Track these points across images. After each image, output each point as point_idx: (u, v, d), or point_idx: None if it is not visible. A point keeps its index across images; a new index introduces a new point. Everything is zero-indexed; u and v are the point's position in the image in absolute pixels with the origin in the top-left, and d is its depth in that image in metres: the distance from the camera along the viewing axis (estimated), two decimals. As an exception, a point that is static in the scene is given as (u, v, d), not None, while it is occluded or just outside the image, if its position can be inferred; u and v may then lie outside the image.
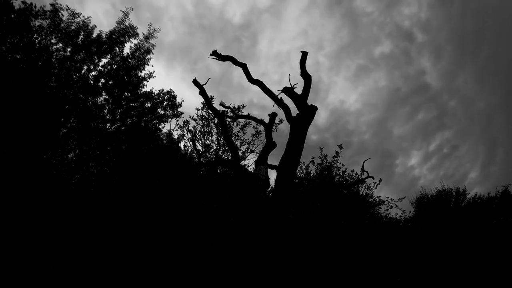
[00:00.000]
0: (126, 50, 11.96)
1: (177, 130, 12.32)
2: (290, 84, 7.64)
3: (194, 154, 12.11)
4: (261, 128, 11.36)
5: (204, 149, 11.64)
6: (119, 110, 11.55)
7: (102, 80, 11.39)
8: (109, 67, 11.52)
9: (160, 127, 12.40)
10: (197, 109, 11.91)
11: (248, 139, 11.97)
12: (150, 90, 12.27)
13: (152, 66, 13.89)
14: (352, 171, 12.14)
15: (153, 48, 12.32)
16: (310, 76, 7.79)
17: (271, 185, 8.83)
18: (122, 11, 11.77)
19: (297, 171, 11.45)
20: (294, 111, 7.59)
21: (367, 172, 10.30)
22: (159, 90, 12.35)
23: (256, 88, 8.20)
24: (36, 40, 10.26)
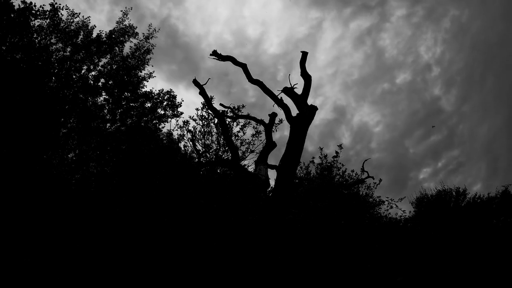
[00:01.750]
0: (126, 50, 11.97)
1: (177, 130, 12.32)
2: (290, 84, 7.64)
3: (194, 154, 12.11)
4: (261, 128, 11.36)
5: (204, 149, 11.64)
6: (119, 110, 11.55)
7: (102, 80, 11.39)
8: (109, 67, 11.52)
9: (160, 127, 12.41)
10: (197, 109, 11.92)
11: (248, 139, 11.98)
12: (150, 90, 12.28)
13: (152, 66, 13.90)
14: (352, 171, 12.16)
15: (153, 48, 12.33)
16: (310, 76, 7.79)
17: (271, 185, 8.84)
18: (122, 11, 11.78)
19: (297, 171, 11.46)
20: (294, 111, 7.59)
21: (367, 172, 10.30)
22: (159, 90, 12.36)
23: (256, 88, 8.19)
24: (36, 40, 10.26)
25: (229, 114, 10.28)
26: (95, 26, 11.29)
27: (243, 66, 7.96)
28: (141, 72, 12.12)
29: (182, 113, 12.52)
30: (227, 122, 10.89)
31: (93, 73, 11.25)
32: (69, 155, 10.63)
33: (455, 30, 64.63)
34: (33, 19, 10.09)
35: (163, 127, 12.47)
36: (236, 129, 11.91)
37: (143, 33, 12.13)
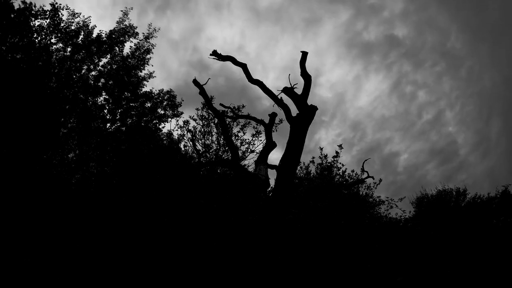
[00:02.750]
0: (126, 50, 11.96)
1: (177, 130, 12.33)
2: (290, 84, 7.64)
3: (194, 154, 12.11)
4: (261, 128, 11.36)
5: (204, 149, 11.64)
6: (119, 110, 11.55)
7: (102, 80, 11.39)
8: (109, 67, 11.52)
9: (160, 127, 12.41)
10: (197, 109, 11.92)
11: (248, 139, 11.98)
12: (150, 90, 12.28)
13: (152, 66, 13.89)
14: (352, 171, 12.15)
15: (153, 48, 12.33)
16: (310, 76, 7.79)
17: (271, 185, 8.83)
18: (122, 11, 11.78)
19: (297, 171, 11.46)
20: (294, 111, 7.59)
21: (367, 172, 10.29)
22: (159, 90, 12.35)
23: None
24: (36, 40, 10.26)
25: (229, 114, 10.27)
26: (96, 26, 11.31)
27: (243, 66, 7.95)
28: (141, 72, 12.13)
29: (182, 113, 12.53)
30: (227, 122, 10.89)
31: (93, 73, 11.26)
32: (69, 155, 10.64)
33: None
34: (33, 19, 10.10)
35: (163, 127, 12.48)
36: (236, 129, 11.92)
37: (143, 33, 12.14)
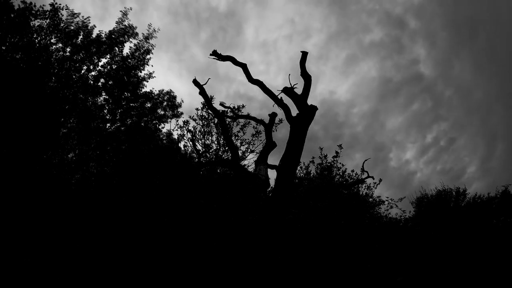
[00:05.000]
0: (126, 50, 11.96)
1: (177, 130, 12.32)
2: (290, 84, 7.63)
3: (194, 154, 12.11)
4: (261, 128, 11.36)
5: (204, 149, 11.64)
6: (119, 110, 11.55)
7: (102, 80, 11.39)
8: (108, 67, 11.52)
9: (160, 127, 12.42)
10: (197, 109, 11.92)
11: (248, 139, 11.98)
12: (150, 90, 12.30)
13: (152, 66, 13.89)
14: (352, 171, 12.15)
15: (153, 48, 12.33)
16: (310, 76, 7.78)
17: (271, 185, 8.83)
18: (121, 11, 11.77)
19: (297, 171, 11.46)
20: (294, 111, 7.58)
21: (367, 172, 10.28)
22: (159, 91, 12.37)
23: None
24: (36, 40, 10.26)
25: (229, 114, 10.27)
26: (95, 26, 11.30)
27: (243, 66, 7.94)
28: (141, 72, 12.13)
29: (182, 113, 12.54)
30: (227, 122, 10.89)
31: (93, 73, 11.25)
32: (69, 155, 10.63)
33: None
34: (33, 19, 10.09)
35: (163, 127, 12.48)
36: (236, 129, 11.92)
37: (142, 33, 12.13)
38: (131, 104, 11.83)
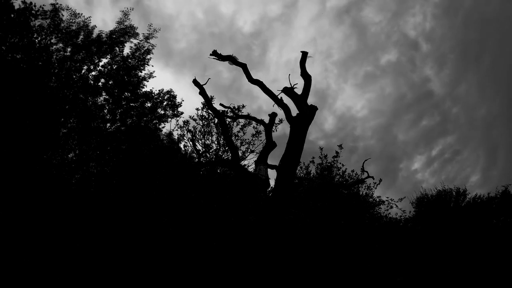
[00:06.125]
0: (126, 50, 11.97)
1: (177, 130, 12.31)
2: (290, 84, 7.64)
3: (194, 154, 12.11)
4: (261, 128, 11.36)
5: (204, 149, 11.64)
6: (119, 110, 11.54)
7: (102, 80, 11.40)
8: (109, 67, 11.52)
9: (160, 127, 12.40)
10: (197, 109, 11.92)
11: (248, 139, 11.98)
12: (150, 90, 12.27)
13: (152, 66, 13.89)
14: (352, 171, 12.15)
15: (153, 48, 12.33)
16: (310, 76, 7.79)
17: (271, 185, 8.83)
18: (122, 11, 11.77)
19: (297, 171, 11.46)
20: (294, 111, 7.59)
21: (367, 172, 10.27)
22: (159, 90, 12.35)
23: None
24: (36, 40, 10.26)
25: (229, 114, 10.27)
26: (96, 26, 11.32)
27: (243, 66, 7.95)
28: (141, 72, 12.12)
29: (182, 113, 12.52)
30: (227, 122, 10.89)
31: (93, 73, 11.25)
32: (69, 155, 10.63)
33: (445, 5, 60.27)
34: (33, 19, 10.09)
35: (163, 127, 12.47)
36: (236, 129, 11.92)
37: (143, 33, 12.14)
38: (131, 104, 11.82)
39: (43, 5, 10.31)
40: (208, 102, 9.05)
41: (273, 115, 9.53)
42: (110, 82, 11.45)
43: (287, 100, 7.85)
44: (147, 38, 12.13)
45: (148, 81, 12.25)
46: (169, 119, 12.39)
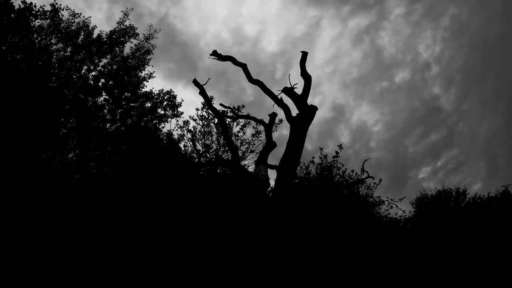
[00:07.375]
0: (127, 50, 11.97)
1: (177, 130, 12.33)
2: (290, 84, 7.64)
3: (194, 154, 12.11)
4: (261, 128, 11.37)
5: (204, 149, 11.64)
6: (119, 110, 11.55)
7: (102, 80, 11.40)
8: (109, 67, 11.53)
9: (160, 127, 12.40)
10: (197, 109, 11.93)
11: (248, 139, 11.99)
12: (150, 90, 12.28)
13: (152, 66, 13.90)
14: (352, 171, 12.16)
15: (153, 49, 12.35)
16: (310, 76, 7.79)
17: (271, 185, 8.83)
18: (122, 11, 11.78)
19: (297, 171, 11.46)
20: (294, 111, 7.59)
21: (367, 172, 10.27)
22: (159, 90, 12.36)
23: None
24: (36, 40, 10.26)
25: (229, 114, 10.28)
26: (96, 27, 11.32)
27: (243, 66, 7.95)
28: (141, 72, 12.13)
29: (182, 113, 12.52)
30: (227, 122, 10.89)
31: (93, 73, 11.26)
32: (69, 155, 10.63)
33: (454, 28, 65.34)
34: (33, 19, 10.09)
35: (163, 127, 12.47)
36: (236, 129, 11.93)
37: (143, 34, 12.15)
38: (131, 104, 11.83)
39: (43, 5, 10.33)
40: (208, 102, 9.06)
41: (273, 115, 9.53)
42: (110, 82, 11.45)
43: (287, 100, 7.86)
44: (147, 38, 12.15)
45: (148, 81, 12.28)
46: (169, 119, 12.40)
